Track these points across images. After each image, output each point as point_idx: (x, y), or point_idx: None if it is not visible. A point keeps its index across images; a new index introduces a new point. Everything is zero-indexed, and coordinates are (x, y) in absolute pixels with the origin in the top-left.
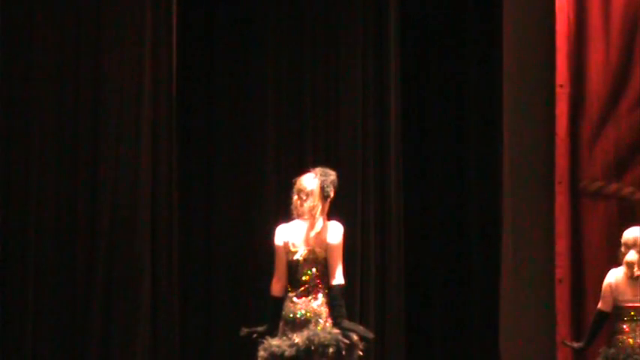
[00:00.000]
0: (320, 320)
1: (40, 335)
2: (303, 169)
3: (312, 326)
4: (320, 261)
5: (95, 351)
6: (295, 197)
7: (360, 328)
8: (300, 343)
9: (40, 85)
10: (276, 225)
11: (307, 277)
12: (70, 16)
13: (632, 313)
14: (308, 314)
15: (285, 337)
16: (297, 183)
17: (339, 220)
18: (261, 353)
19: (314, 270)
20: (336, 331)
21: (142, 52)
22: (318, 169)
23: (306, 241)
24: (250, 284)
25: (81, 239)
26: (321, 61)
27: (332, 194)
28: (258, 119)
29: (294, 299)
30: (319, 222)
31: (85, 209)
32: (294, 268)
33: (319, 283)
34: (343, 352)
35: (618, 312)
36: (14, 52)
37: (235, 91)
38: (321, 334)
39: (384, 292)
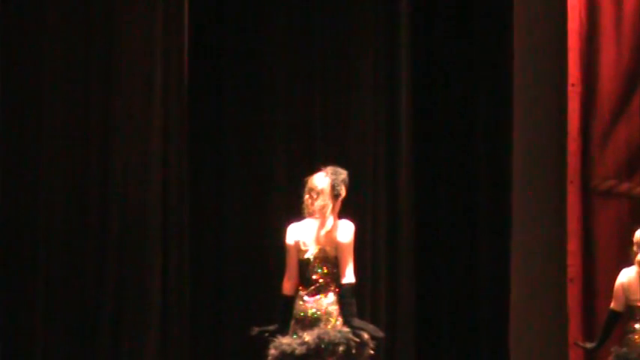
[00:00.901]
0: (330, 319)
1: (50, 337)
2: (314, 168)
3: (322, 325)
4: (331, 260)
5: (105, 351)
6: (306, 196)
7: (371, 327)
8: (311, 342)
9: (49, 86)
10: (287, 224)
11: (318, 276)
12: (81, 11)
13: None
14: (319, 313)
15: (295, 336)
16: (308, 182)
17: (349, 218)
18: (272, 351)
19: (325, 269)
20: (346, 329)
21: (152, 49)
22: (329, 168)
23: (317, 240)
24: (261, 283)
25: (91, 241)
26: (331, 58)
27: (343, 193)
28: (269, 117)
29: (305, 298)
30: (330, 221)
31: (94, 211)
32: (305, 267)
33: (330, 282)
34: (353, 351)
35: (630, 311)
36: (22, 47)
37: (245, 89)
38: (332, 333)
39: (395, 290)
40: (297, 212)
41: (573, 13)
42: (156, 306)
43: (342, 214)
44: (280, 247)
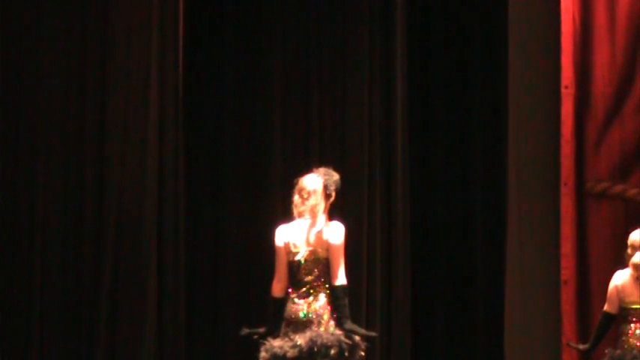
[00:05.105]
0: (322, 321)
1: (47, 339)
2: (309, 169)
3: (314, 327)
4: (321, 261)
5: (101, 351)
6: (296, 196)
7: (362, 330)
8: (303, 344)
9: (45, 89)
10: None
11: (309, 278)
12: (77, 11)
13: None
14: (310, 315)
15: (287, 338)
16: (299, 183)
17: (345, 221)
18: (263, 354)
19: (315, 270)
20: (338, 332)
21: (148, 47)
22: (322, 169)
23: (307, 242)
24: (257, 285)
25: (87, 243)
26: (327, 60)
27: (334, 195)
28: (265, 117)
29: (296, 300)
30: (321, 220)
31: (91, 213)
32: (295, 269)
33: (321, 284)
34: (346, 353)
35: (624, 314)
36: (19, 49)
37: (242, 89)
38: (324, 335)
39: (390, 293)
40: (291, 213)
41: (567, 16)
42: (152, 308)
43: (337, 217)
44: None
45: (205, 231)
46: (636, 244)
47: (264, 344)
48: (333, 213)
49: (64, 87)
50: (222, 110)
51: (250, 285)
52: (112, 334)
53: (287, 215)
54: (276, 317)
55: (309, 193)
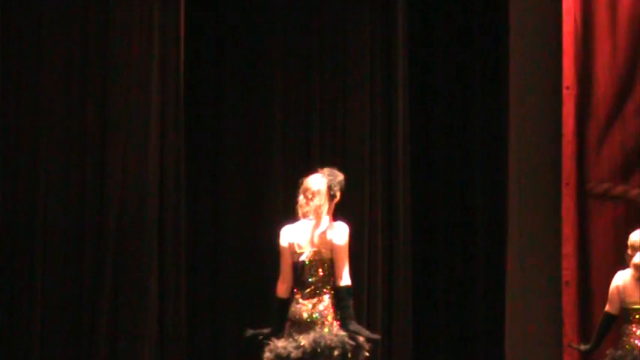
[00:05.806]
0: (326, 322)
1: (47, 340)
2: (310, 171)
3: (318, 328)
4: (326, 262)
5: (102, 353)
6: (301, 197)
7: (366, 332)
8: (307, 346)
9: (46, 89)
10: (283, 226)
11: (313, 279)
12: (77, 11)
13: (639, 316)
14: (314, 316)
15: (291, 339)
16: (304, 183)
17: (346, 221)
18: (267, 355)
19: (320, 271)
20: (342, 333)
21: (149, 48)
22: (326, 169)
23: (312, 242)
24: (257, 285)
25: (87, 243)
26: (328, 61)
27: (338, 195)
28: (265, 118)
29: (301, 300)
30: (325, 221)
31: (91, 213)
32: (299, 270)
33: (325, 285)
34: (349, 355)
35: (625, 314)
36: (20, 51)
37: (242, 89)
38: (328, 337)
39: (391, 294)
40: (293, 214)
41: (568, 17)
42: (153, 307)
43: (338, 217)
44: (276, 248)
45: (205, 231)
46: (637, 244)
47: (268, 344)
48: (335, 213)
49: (65, 87)
50: (222, 110)
51: (250, 285)
52: (112, 334)
53: (287, 215)
54: (280, 317)
55: (313, 194)
